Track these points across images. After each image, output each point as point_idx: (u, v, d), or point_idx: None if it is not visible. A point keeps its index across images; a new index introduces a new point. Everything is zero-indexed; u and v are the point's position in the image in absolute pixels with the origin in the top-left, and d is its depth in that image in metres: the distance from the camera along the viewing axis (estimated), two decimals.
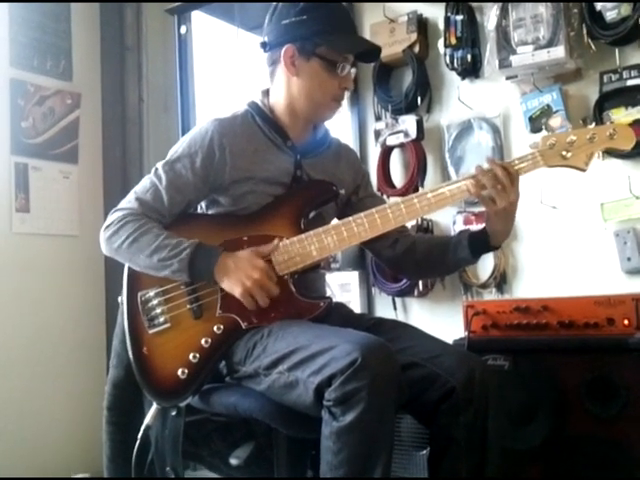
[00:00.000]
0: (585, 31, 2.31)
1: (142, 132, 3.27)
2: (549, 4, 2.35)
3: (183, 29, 3.14)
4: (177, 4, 3.10)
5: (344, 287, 2.97)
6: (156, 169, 1.68)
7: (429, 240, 1.79)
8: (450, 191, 1.63)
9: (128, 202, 1.66)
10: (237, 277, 1.54)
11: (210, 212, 1.74)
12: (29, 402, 2.83)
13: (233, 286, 1.55)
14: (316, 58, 1.65)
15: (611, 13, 2.25)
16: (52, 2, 3.10)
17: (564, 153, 1.61)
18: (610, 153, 2.26)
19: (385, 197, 2.73)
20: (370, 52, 1.75)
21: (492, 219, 1.64)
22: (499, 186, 1.57)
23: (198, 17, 3.25)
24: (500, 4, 2.45)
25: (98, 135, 3.26)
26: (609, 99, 2.30)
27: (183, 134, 2.59)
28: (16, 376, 2.80)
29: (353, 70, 1.72)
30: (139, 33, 3.35)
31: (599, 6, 2.27)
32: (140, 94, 3.30)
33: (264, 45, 1.72)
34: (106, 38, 3.31)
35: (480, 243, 1.68)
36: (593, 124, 2.26)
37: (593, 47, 2.32)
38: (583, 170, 1.63)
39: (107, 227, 1.64)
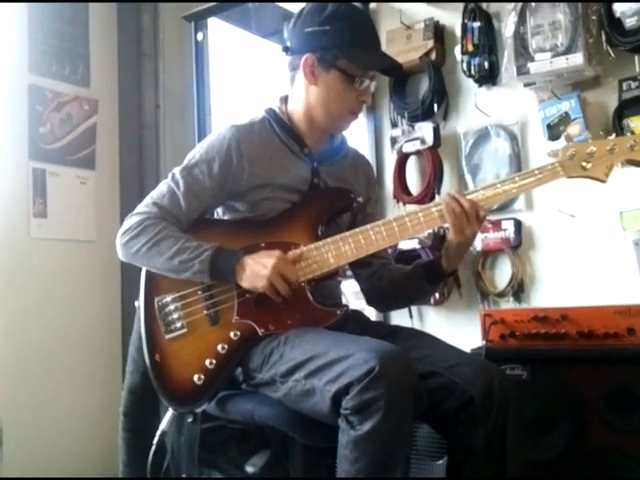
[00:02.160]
0: (604, 38, 2.29)
1: (158, 138, 3.29)
2: (567, 11, 2.34)
3: (200, 36, 3.15)
4: (194, 11, 3.11)
5: (358, 295, 2.95)
6: (173, 174, 1.68)
7: (391, 272, 1.80)
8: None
9: (145, 206, 1.66)
10: (254, 271, 1.54)
11: (227, 218, 1.74)
12: (45, 408, 2.84)
13: (253, 281, 1.54)
14: (335, 70, 1.65)
15: (630, 20, 2.23)
16: (70, 2, 3.12)
17: (584, 164, 1.60)
18: (630, 161, 2.24)
19: (401, 204, 2.72)
20: (391, 67, 1.74)
21: (453, 244, 1.63)
22: (466, 217, 1.58)
23: (215, 24, 3.26)
24: (518, 11, 2.43)
25: (115, 141, 3.28)
26: (628, 107, 2.28)
27: (199, 140, 2.60)
28: (32, 381, 2.81)
29: (373, 84, 1.71)
30: (156, 40, 3.38)
31: (618, 13, 2.25)
32: (157, 100, 3.32)
33: (286, 49, 1.71)
34: (123, 44, 3.33)
35: (434, 271, 1.70)
36: (614, 135, 2.23)
37: (612, 54, 2.29)
38: (603, 181, 1.62)
39: (125, 232, 1.64)
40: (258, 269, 1.53)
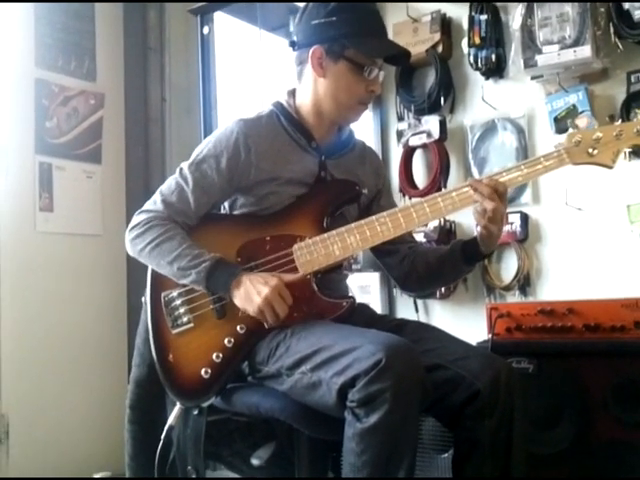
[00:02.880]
0: (612, 30, 2.28)
1: (164, 132, 3.29)
2: (575, 3, 2.32)
3: (206, 29, 3.14)
4: (200, 4, 3.11)
5: (364, 289, 2.95)
6: (181, 169, 1.68)
7: (426, 253, 1.78)
8: None
9: (154, 203, 1.66)
10: (248, 294, 1.53)
11: (233, 212, 1.74)
12: (51, 401, 2.85)
13: (245, 303, 1.54)
14: (344, 60, 1.64)
15: (639, 12, 2.22)
16: (77, 2, 3.12)
17: (590, 150, 1.59)
18: (637, 154, 2.23)
19: (407, 198, 2.72)
20: (399, 55, 1.73)
21: (483, 226, 1.61)
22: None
23: (220, 18, 3.26)
24: (525, 3, 2.42)
25: (121, 135, 3.29)
26: (636, 99, 2.27)
27: (205, 134, 2.61)
28: (38, 375, 2.83)
29: (381, 73, 1.70)
30: (162, 34, 3.38)
31: (627, 5, 2.24)
32: (163, 94, 3.32)
33: (293, 44, 1.71)
34: (129, 39, 3.34)
35: (472, 252, 1.67)
36: (620, 121, 2.22)
37: (620, 46, 2.28)
38: (610, 167, 1.60)
39: (132, 228, 1.64)
40: (251, 294, 1.52)
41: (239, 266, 1.58)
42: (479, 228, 1.62)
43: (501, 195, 1.56)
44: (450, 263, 1.70)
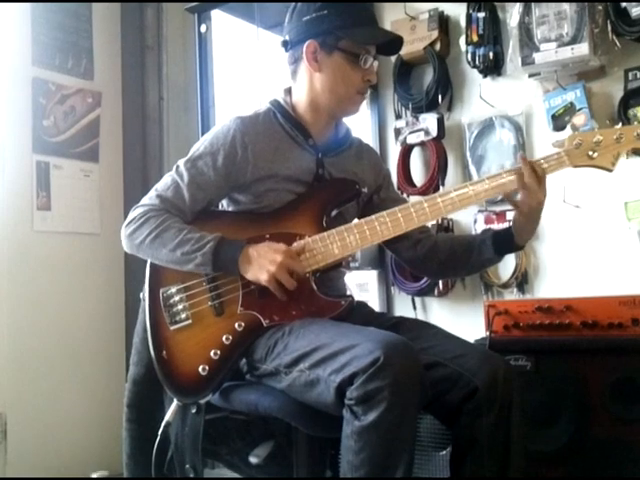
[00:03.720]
0: (610, 28, 2.28)
1: (162, 131, 3.29)
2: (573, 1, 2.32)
3: (203, 28, 3.14)
4: (197, 3, 3.10)
5: (362, 287, 2.95)
6: (177, 166, 1.68)
7: (452, 240, 1.78)
8: (474, 190, 1.62)
9: (149, 199, 1.66)
10: (260, 264, 1.53)
11: (231, 210, 1.74)
12: (49, 400, 2.85)
13: (257, 274, 1.54)
14: (338, 52, 1.65)
15: (636, 9, 2.22)
16: (74, 2, 3.12)
17: (590, 153, 1.60)
18: (635, 152, 2.23)
19: (405, 196, 2.71)
20: (392, 44, 1.73)
21: (519, 218, 1.63)
22: (526, 186, 1.57)
23: (218, 16, 3.25)
24: (523, 1, 2.42)
25: (119, 134, 3.28)
26: (634, 97, 2.27)
27: (203, 133, 2.61)
28: (35, 374, 2.82)
29: (375, 63, 1.71)
30: (159, 32, 3.37)
31: (624, 2, 2.24)
32: (160, 93, 3.32)
33: (285, 44, 1.71)
34: (127, 37, 3.33)
35: (505, 243, 1.67)
36: (620, 124, 2.22)
37: (618, 44, 2.28)
38: (610, 170, 1.61)
39: (129, 224, 1.64)
40: (263, 263, 1.53)
41: (243, 240, 1.58)
42: (518, 216, 1.63)
43: (541, 181, 1.57)
44: (478, 252, 1.70)
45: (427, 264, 1.79)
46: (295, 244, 1.59)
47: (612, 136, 1.59)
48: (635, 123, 2.19)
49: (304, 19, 1.66)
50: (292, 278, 1.54)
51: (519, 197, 1.61)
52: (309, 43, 1.65)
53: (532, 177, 1.57)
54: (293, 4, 1.71)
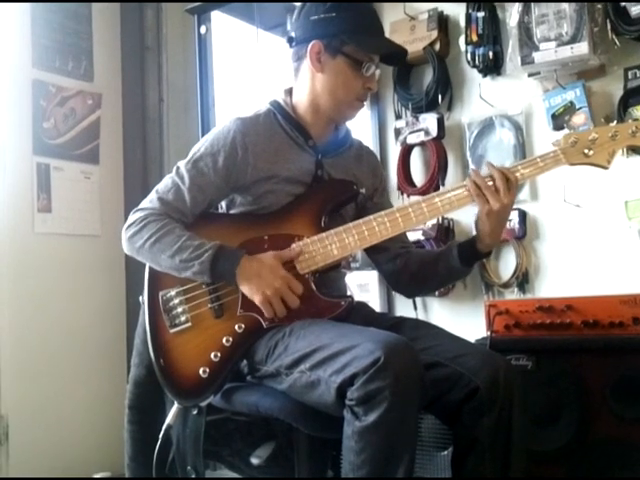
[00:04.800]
0: (609, 27, 2.28)
1: (162, 132, 3.29)
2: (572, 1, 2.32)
3: (203, 29, 3.14)
4: (197, 4, 3.10)
5: (363, 287, 2.95)
6: (178, 168, 1.68)
7: (423, 253, 1.81)
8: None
9: (150, 202, 1.66)
10: (258, 285, 1.53)
11: (231, 211, 1.74)
12: (50, 402, 2.86)
13: (254, 293, 1.54)
14: (342, 56, 1.65)
15: (636, 8, 2.22)
16: (74, 2, 3.12)
17: (586, 151, 1.61)
18: (634, 150, 2.23)
19: (405, 196, 2.72)
20: (396, 55, 1.75)
21: (482, 220, 1.61)
22: (493, 188, 1.56)
23: (218, 17, 3.25)
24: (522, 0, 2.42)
25: (119, 135, 3.29)
26: (634, 95, 2.27)
27: (203, 134, 2.60)
28: (37, 376, 2.83)
29: (378, 71, 1.71)
30: (159, 33, 3.37)
31: (623, 1, 2.23)
32: (160, 94, 3.32)
33: (290, 40, 1.71)
34: (126, 39, 3.33)
35: (468, 251, 1.67)
36: (615, 122, 2.23)
37: (617, 43, 2.28)
38: (605, 168, 1.62)
39: (129, 227, 1.64)
40: (261, 285, 1.53)
41: (242, 250, 1.58)
42: (481, 225, 1.62)
43: (512, 187, 1.57)
44: (445, 262, 1.70)
45: (401, 276, 1.79)
46: (294, 245, 1.60)
47: (607, 134, 1.60)
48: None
49: (312, 18, 1.66)
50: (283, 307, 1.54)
51: (486, 198, 1.58)
52: (314, 44, 1.65)
53: (503, 181, 1.56)
54: (302, 4, 1.71)
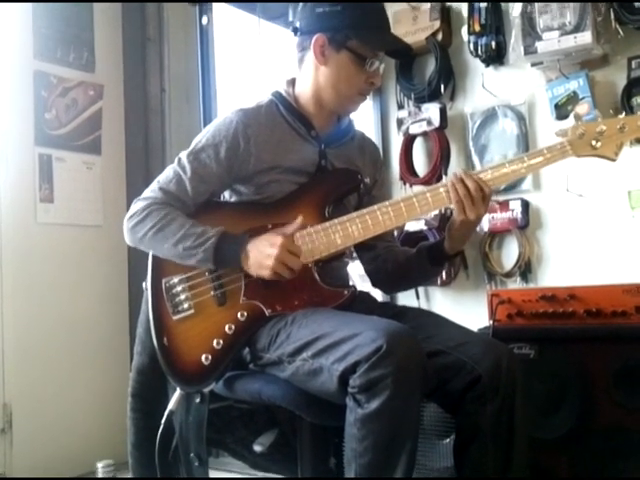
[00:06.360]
0: (613, 16, 2.27)
1: (164, 122, 3.28)
2: None
3: (204, 19, 3.14)
4: None
5: (365, 277, 2.95)
6: (179, 159, 1.67)
7: (399, 252, 1.81)
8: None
9: (152, 191, 1.66)
10: (261, 261, 1.53)
11: (233, 200, 1.73)
12: (54, 390, 2.87)
13: (259, 271, 1.55)
14: (346, 51, 1.64)
15: None
16: (74, 1, 3.11)
17: (594, 143, 1.60)
18: (638, 140, 2.23)
19: (408, 186, 2.72)
20: (401, 49, 1.74)
21: (456, 226, 1.63)
22: (470, 201, 1.57)
23: (219, 7, 3.25)
24: None
25: (121, 126, 3.28)
26: (637, 85, 2.27)
27: (205, 124, 2.60)
28: (40, 365, 2.84)
29: (382, 66, 1.70)
30: (161, 24, 3.36)
31: None
32: (162, 85, 3.31)
33: (295, 30, 1.70)
34: (128, 29, 3.32)
35: (436, 253, 1.70)
36: (623, 114, 2.22)
37: (621, 32, 2.28)
38: (613, 160, 1.61)
39: (131, 217, 1.64)
40: (261, 259, 1.53)
41: (245, 235, 1.58)
42: (453, 230, 1.65)
43: (485, 198, 1.57)
44: (417, 262, 1.73)
45: (378, 275, 1.82)
46: (293, 224, 1.59)
47: (615, 126, 1.59)
48: (639, 112, 2.19)
49: (317, 11, 1.65)
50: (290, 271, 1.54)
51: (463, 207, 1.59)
52: (318, 37, 1.64)
53: (478, 193, 1.56)
54: None
